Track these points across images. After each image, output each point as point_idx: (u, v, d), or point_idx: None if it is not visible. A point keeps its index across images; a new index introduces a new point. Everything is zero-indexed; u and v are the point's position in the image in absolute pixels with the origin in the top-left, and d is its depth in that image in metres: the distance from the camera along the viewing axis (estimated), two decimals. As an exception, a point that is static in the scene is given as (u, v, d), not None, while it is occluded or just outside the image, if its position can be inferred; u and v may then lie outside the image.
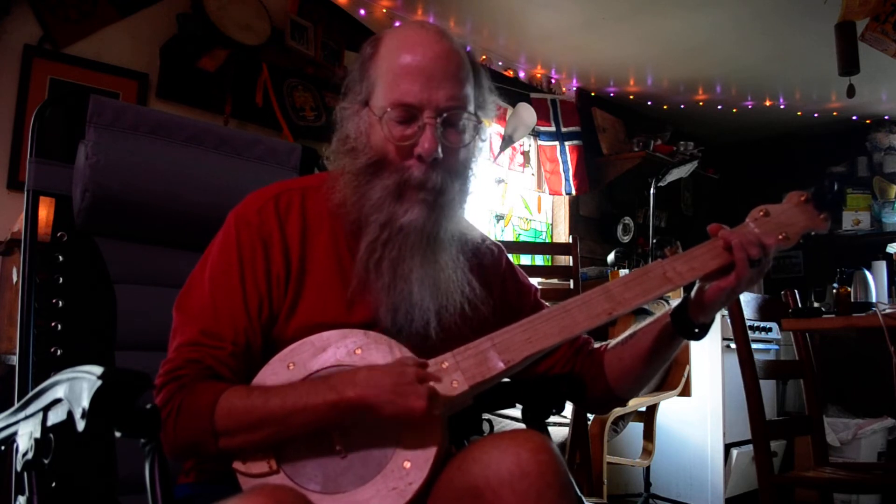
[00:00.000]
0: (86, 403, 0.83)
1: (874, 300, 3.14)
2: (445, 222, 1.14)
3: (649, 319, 1.21)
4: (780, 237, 1.10)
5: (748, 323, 2.17)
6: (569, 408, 2.85)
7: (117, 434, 0.87)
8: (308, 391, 0.98)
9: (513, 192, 4.41)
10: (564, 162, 4.42)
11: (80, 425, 0.84)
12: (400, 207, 1.10)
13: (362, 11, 3.50)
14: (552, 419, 1.50)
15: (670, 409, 3.63)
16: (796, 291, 2.46)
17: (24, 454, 0.99)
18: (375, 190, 1.10)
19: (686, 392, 3.33)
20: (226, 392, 0.99)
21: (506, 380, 1.16)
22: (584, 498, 1.09)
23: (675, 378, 3.29)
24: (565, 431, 3.03)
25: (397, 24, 3.57)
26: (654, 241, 4.50)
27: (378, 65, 1.12)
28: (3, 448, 1.13)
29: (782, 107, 4.91)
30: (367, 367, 1.01)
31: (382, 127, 1.09)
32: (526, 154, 4.56)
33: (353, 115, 1.15)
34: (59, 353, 1.28)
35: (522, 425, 1.23)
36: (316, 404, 0.97)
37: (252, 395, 1.00)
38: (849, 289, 3.09)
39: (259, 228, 1.13)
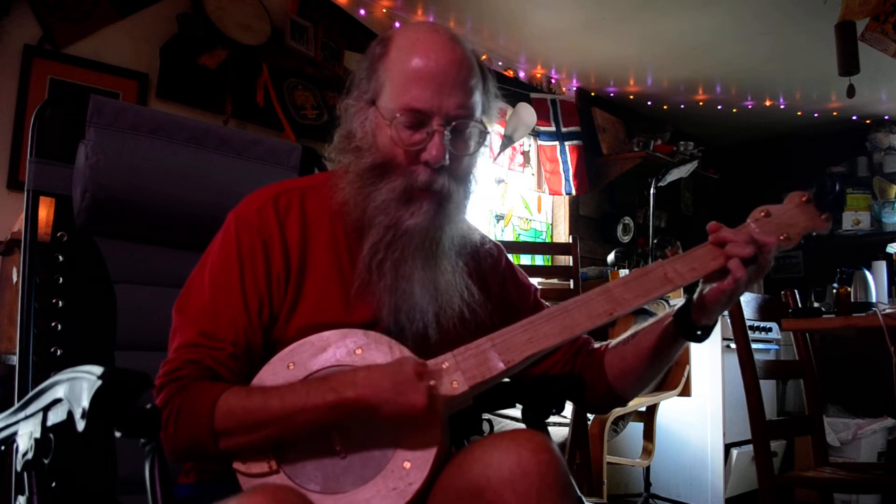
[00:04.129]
0: (86, 403, 0.83)
1: (874, 300, 3.14)
2: (448, 227, 1.14)
3: (652, 319, 1.20)
4: (782, 238, 1.10)
5: (748, 323, 2.17)
6: (569, 408, 2.85)
7: (117, 434, 0.87)
8: (307, 392, 0.98)
9: (513, 192, 4.41)
10: (564, 162, 4.42)
11: (80, 425, 0.84)
12: (406, 210, 1.09)
13: (362, 11, 3.50)
14: (552, 419, 1.50)
15: (670, 409, 3.63)
16: (796, 291, 2.46)
17: (24, 454, 0.99)
18: (381, 192, 1.10)
19: (686, 392, 3.33)
20: (225, 393, 0.99)
21: (506, 380, 1.16)
22: (584, 498, 1.09)
23: (675, 378, 3.29)
24: (565, 431, 3.03)
25: (397, 24, 3.57)
26: (655, 241, 4.50)
27: (388, 65, 1.11)
28: (3, 448, 1.13)
29: (782, 107, 4.91)
30: (366, 367, 1.01)
31: (392, 130, 1.09)
32: (526, 154, 4.56)
33: (359, 113, 1.14)
34: (59, 353, 1.28)
35: (522, 425, 1.23)
36: (315, 405, 0.97)
37: (251, 396, 1.00)
38: (849, 289, 3.08)
39: (259, 229, 1.12)
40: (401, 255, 1.10)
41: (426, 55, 1.09)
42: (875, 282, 3.26)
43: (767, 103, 4.86)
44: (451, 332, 1.12)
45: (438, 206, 1.11)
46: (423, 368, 0.99)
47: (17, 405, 1.07)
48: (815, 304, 4.01)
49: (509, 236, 4.29)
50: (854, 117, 5.12)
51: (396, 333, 1.10)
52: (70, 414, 0.88)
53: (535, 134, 4.41)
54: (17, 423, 1.05)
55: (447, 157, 1.09)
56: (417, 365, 0.99)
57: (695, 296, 1.13)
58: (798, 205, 1.15)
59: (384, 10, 3.59)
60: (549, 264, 4.31)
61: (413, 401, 0.96)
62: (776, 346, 4.12)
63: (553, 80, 4.54)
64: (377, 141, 1.11)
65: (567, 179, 4.42)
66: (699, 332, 1.14)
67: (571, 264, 3.37)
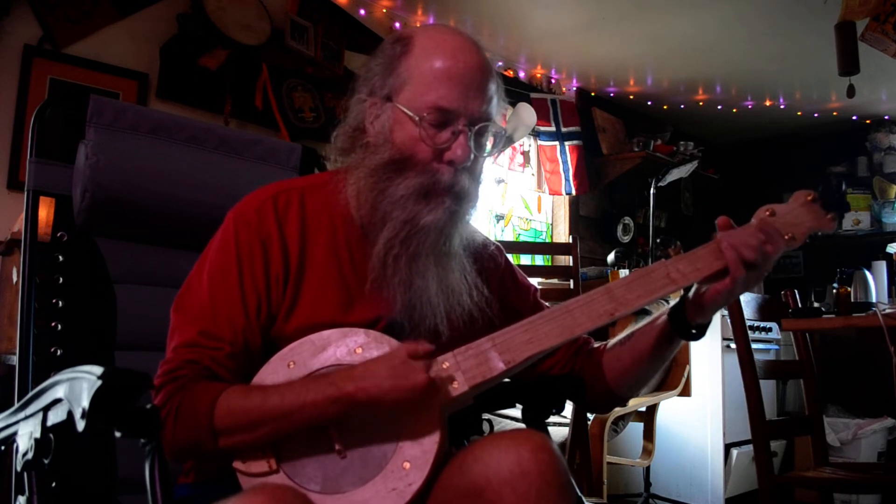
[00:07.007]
0: (86, 403, 0.83)
1: (874, 300, 3.13)
2: (461, 225, 1.15)
3: (647, 320, 1.20)
4: (787, 237, 1.09)
5: (748, 323, 2.17)
6: (569, 408, 2.85)
7: (117, 434, 0.87)
8: (307, 389, 0.98)
9: (513, 192, 4.41)
10: (564, 162, 4.42)
11: (80, 425, 0.84)
12: (425, 207, 1.10)
13: (362, 11, 3.50)
14: (552, 419, 1.50)
15: (670, 409, 3.63)
16: (796, 291, 2.46)
17: (24, 454, 0.99)
18: (399, 188, 1.10)
19: (686, 392, 3.33)
20: (224, 392, 0.99)
21: (506, 380, 1.16)
22: (584, 498, 1.09)
23: (675, 378, 3.29)
24: (565, 431, 3.03)
25: (397, 25, 3.57)
26: (655, 241, 4.50)
27: (410, 63, 1.11)
28: (3, 448, 1.12)
29: (782, 107, 4.91)
30: (363, 363, 1.01)
31: (419, 128, 1.09)
32: (526, 154, 4.56)
33: (372, 109, 1.14)
34: (59, 353, 1.28)
35: (522, 425, 1.23)
36: (315, 401, 0.97)
37: (251, 394, 1.00)
38: (849, 289, 3.08)
39: (258, 228, 1.12)
40: (416, 251, 1.10)
41: (454, 56, 1.10)
42: (875, 282, 3.26)
43: (767, 103, 4.85)
44: (462, 330, 1.12)
45: (457, 204, 1.12)
46: (414, 346, 0.99)
47: (17, 405, 1.07)
48: (815, 304, 4.01)
49: (509, 236, 4.29)
50: (854, 117, 5.12)
51: (410, 330, 1.10)
52: (70, 414, 0.88)
53: (535, 134, 4.41)
54: (17, 423, 1.05)
55: (471, 157, 1.09)
56: (409, 346, 0.99)
57: (690, 295, 1.13)
58: (803, 204, 1.14)
59: (384, 10, 3.59)
60: (549, 264, 4.31)
61: (413, 381, 0.96)
62: (776, 346, 4.12)
63: (553, 80, 4.54)
64: (394, 137, 1.11)
65: (567, 179, 4.42)
66: (694, 331, 1.14)
67: (571, 264, 3.37)
